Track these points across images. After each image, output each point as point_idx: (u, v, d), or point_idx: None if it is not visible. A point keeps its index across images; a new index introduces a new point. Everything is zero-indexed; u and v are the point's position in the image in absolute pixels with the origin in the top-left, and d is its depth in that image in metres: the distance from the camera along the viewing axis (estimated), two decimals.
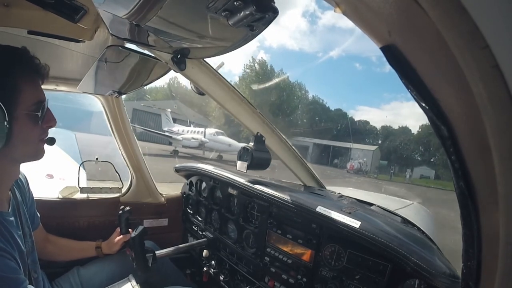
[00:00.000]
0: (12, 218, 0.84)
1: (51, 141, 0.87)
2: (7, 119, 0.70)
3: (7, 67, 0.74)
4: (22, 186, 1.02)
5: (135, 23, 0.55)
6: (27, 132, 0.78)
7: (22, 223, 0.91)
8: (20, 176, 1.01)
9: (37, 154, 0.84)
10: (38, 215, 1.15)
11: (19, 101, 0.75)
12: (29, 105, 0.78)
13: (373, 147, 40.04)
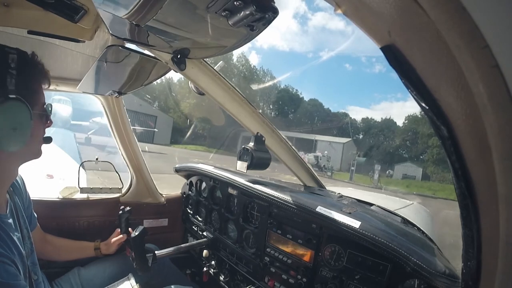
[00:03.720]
0: (10, 220, 0.83)
1: (49, 140, 0.91)
2: (32, 119, 0.76)
3: (25, 69, 0.78)
4: (19, 187, 1.02)
5: (135, 23, 0.55)
6: (37, 131, 0.83)
7: (20, 225, 0.91)
8: (16, 177, 1.00)
9: (39, 153, 0.88)
10: (35, 215, 1.15)
11: (35, 102, 0.81)
12: (41, 106, 0.84)
13: (344, 140, 34.34)
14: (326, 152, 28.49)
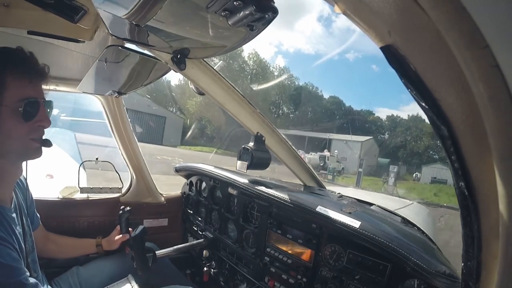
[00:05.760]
0: (13, 215, 0.85)
1: (45, 143, 0.85)
2: None
3: None
4: (23, 187, 1.03)
5: (135, 23, 0.55)
6: (10, 127, 0.77)
7: (22, 221, 0.92)
8: (21, 176, 1.01)
9: (27, 153, 0.84)
10: (38, 215, 1.15)
11: (3, 96, 0.75)
12: (14, 101, 0.77)
13: (363, 138, 29.49)
14: (336, 151, 24.40)
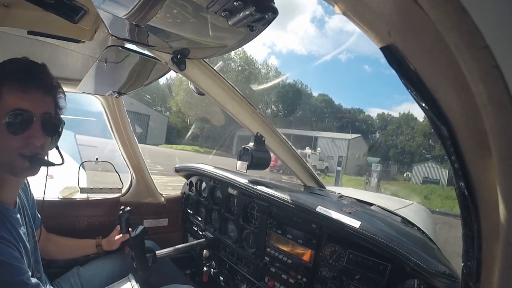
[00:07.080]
0: (18, 216, 0.85)
1: (34, 161, 0.77)
2: None
3: None
4: (25, 187, 1.03)
5: (134, 23, 0.55)
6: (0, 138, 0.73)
7: (26, 222, 0.92)
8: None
9: (14, 169, 0.77)
10: (39, 216, 1.16)
11: None
12: (4, 113, 0.72)
13: (350, 136, 27.98)
14: (319, 149, 24.00)
